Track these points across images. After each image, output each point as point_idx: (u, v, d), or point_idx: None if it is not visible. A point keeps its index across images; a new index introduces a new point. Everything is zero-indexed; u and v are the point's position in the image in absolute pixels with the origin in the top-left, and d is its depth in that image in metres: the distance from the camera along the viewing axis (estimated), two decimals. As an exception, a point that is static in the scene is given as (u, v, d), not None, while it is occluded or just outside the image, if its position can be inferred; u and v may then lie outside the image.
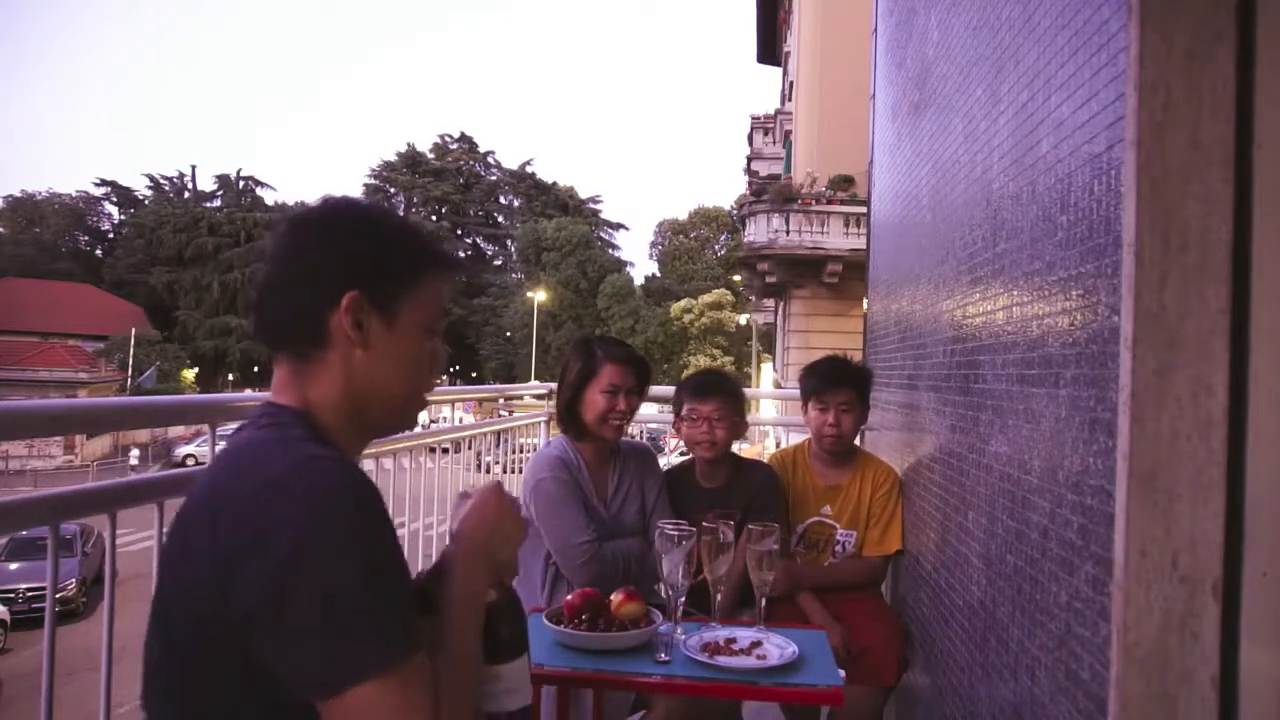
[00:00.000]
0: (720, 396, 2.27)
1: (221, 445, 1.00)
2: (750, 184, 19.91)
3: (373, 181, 56.55)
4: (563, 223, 49.18)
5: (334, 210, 1.01)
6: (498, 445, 3.56)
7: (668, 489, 2.32)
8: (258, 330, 1.00)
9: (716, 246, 53.95)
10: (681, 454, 2.53)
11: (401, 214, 1.09)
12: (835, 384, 2.40)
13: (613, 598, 1.65)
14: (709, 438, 2.24)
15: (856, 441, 2.54)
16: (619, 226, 59.55)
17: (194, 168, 61.68)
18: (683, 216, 55.53)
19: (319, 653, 0.80)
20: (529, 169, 59.95)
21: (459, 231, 57.52)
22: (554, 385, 2.36)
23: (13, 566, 12.68)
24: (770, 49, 22.81)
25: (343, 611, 0.81)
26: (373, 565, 0.83)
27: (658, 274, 54.51)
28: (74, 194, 54.43)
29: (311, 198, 1.06)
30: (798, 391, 2.55)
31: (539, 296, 43.00)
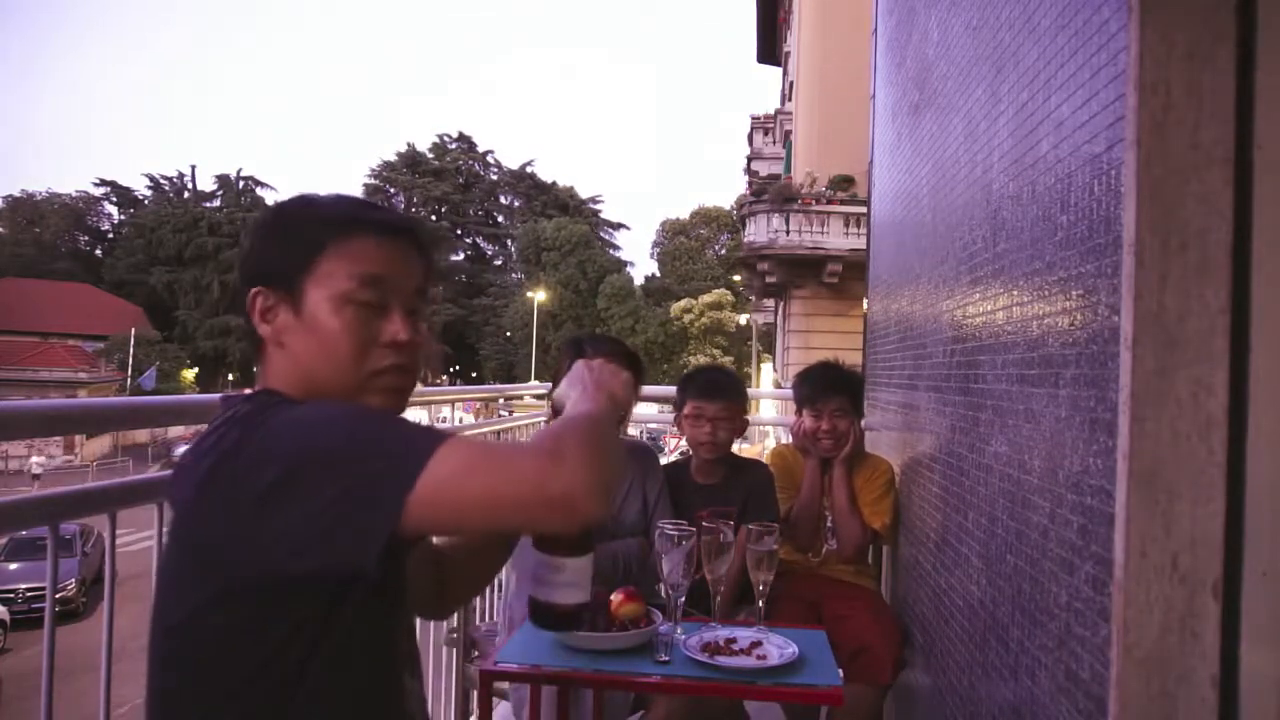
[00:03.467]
0: (726, 399, 2.27)
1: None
2: (750, 184, 19.89)
3: (373, 181, 56.52)
4: (562, 223, 49.17)
5: (260, 214, 1.05)
6: (498, 445, 3.55)
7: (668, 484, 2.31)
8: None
9: (716, 246, 53.93)
10: (682, 454, 2.54)
11: (336, 194, 1.03)
12: (828, 391, 2.41)
13: (613, 598, 1.65)
14: (712, 439, 2.25)
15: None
16: (619, 226, 59.63)
17: (194, 168, 61.65)
18: (683, 216, 55.55)
19: (372, 474, 0.80)
20: (529, 169, 59.99)
21: (459, 231, 57.53)
22: (551, 385, 2.36)
23: (12, 566, 12.68)
24: (770, 49, 22.80)
25: (374, 438, 0.82)
26: (378, 412, 0.88)
27: (658, 274, 54.50)
28: (74, 194, 54.44)
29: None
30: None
31: (539, 296, 43.00)
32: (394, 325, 0.95)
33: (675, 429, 2.41)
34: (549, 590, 1.08)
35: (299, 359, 0.95)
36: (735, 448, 2.41)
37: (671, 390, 2.66)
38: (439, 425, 3.34)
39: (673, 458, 2.55)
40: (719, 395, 2.27)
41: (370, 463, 0.80)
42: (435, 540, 1.18)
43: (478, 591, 1.31)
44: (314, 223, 0.96)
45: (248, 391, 0.97)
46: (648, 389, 3.41)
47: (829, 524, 2.43)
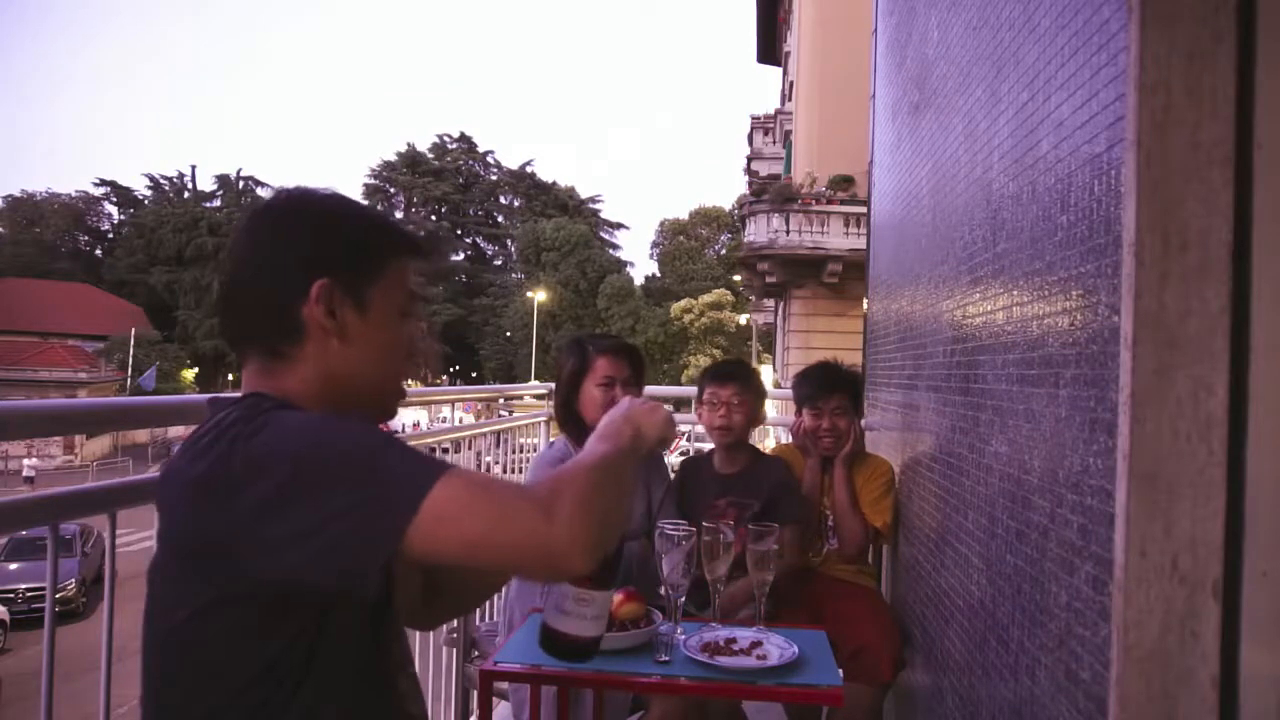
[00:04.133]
0: (738, 382, 2.35)
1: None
2: (750, 184, 19.90)
3: (373, 181, 56.54)
4: (561, 223, 49.19)
5: (292, 201, 0.99)
6: (498, 445, 3.56)
7: (685, 476, 2.41)
8: (225, 330, 0.98)
9: (716, 246, 53.92)
10: (681, 454, 2.56)
11: (361, 201, 1.08)
12: (828, 390, 2.43)
13: (613, 598, 1.65)
14: (725, 421, 2.32)
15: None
16: (619, 226, 59.69)
17: (194, 168, 61.84)
18: (683, 216, 55.55)
19: (374, 497, 0.80)
20: (529, 169, 60.00)
21: (459, 231, 57.53)
22: (554, 385, 2.37)
23: (12, 566, 12.69)
24: (770, 49, 22.80)
25: (376, 460, 0.82)
26: (376, 431, 0.87)
27: (658, 274, 54.50)
28: (74, 194, 54.47)
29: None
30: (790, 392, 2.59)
31: (539, 296, 43.01)
32: (418, 335, 1.03)
33: (697, 416, 2.47)
34: (565, 620, 1.07)
35: (343, 361, 0.95)
36: None
37: (672, 390, 2.69)
38: (439, 424, 3.34)
39: (671, 458, 2.57)
40: (731, 379, 2.35)
41: (374, 485, 0.80)
42: None
43: (468, 609, 1.32)
44: (385, 234, 1.00)
45: (236, 395, 0.96)
46: (650, 389, 3.41)
47: (829, 523, 2.43)
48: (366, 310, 0.96)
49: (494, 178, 59.90)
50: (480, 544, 0.81)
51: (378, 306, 0.97)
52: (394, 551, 0.79)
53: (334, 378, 0.95)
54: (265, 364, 0.95)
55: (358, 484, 0.80)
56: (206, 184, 54.42)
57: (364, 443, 0.84)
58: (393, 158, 57.38)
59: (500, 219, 59.64)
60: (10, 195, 53.38)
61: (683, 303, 43.14)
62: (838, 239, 12.97)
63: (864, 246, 3.45)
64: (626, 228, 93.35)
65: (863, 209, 6.91)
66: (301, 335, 0.94)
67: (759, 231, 13.53)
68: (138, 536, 1.98)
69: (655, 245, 55.80)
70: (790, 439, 2.61)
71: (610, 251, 52.57)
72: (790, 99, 18.09)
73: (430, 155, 57.63)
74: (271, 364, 0.95)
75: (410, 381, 1.08)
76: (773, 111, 20.78)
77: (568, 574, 0.85)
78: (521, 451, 3.64)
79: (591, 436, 1.03)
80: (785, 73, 20.22)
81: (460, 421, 3.61)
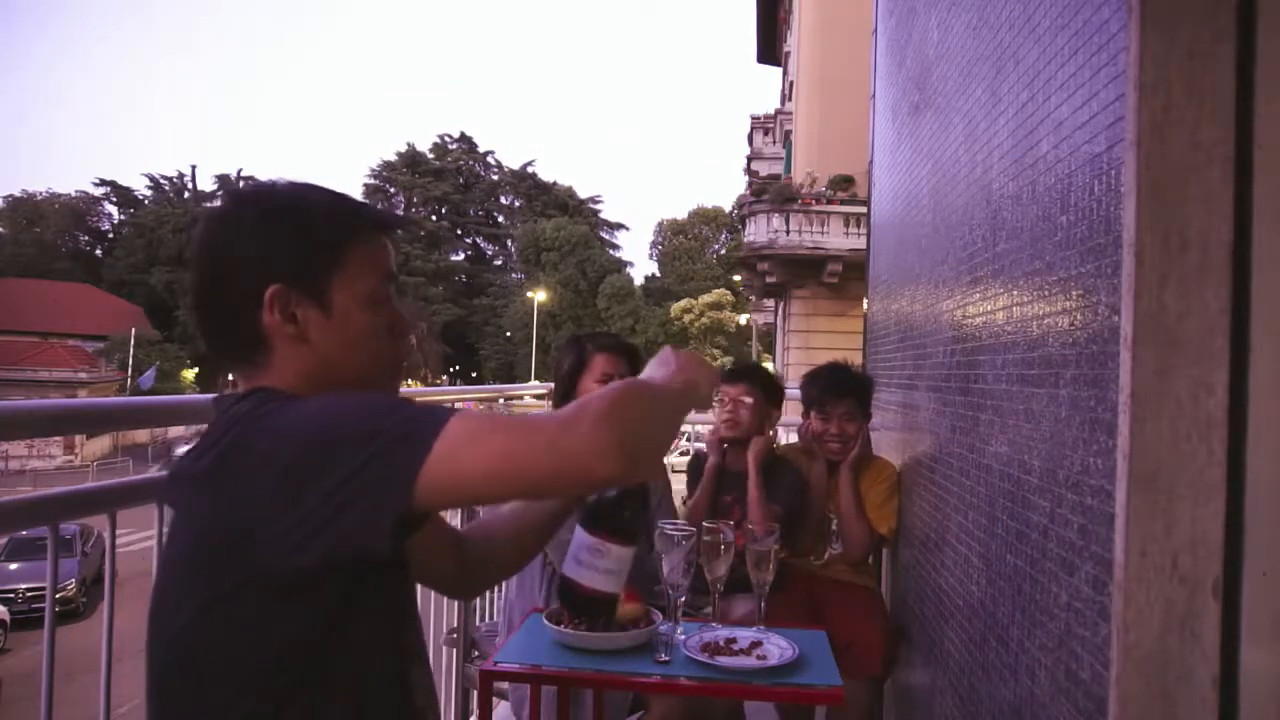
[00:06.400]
0: (747, 380, 2.40)
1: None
2: (750, 184, 19.89)
3: (373, 181, 56.55)
4: (561, 223, 49.24)
5: (239, 203, 0.97)
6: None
7: (697, 472, 2.43)
8: (207, 346, 0.96)
9: (716, 246, 53.96)
10: (681, 454, 2.57)
11: (319, 186, 0.99)
12: (837, 394, 2.43)
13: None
14: (732, 416, 2.36)
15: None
16: (619, 226, 59.69)
17: (194, 168, 61.96)
18: (683, 216, 55.59)
19: (384, 447, 0.79)
20: (529, 169, 60.04)
21: (459, 231, 57.57)
22: (552, 385, 2.38)
23: (13, 566, 12.68)
24: (770, 49, 22.79)
25: (383, 416, 0.81)
26: (382, 394, 0.88)
27: (658, 274, 54.54)
28: (74, 194, 54.48)
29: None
30: (798, 393, 2.59)
31: (539, 296, 43.03)
32: (395, 314, 0.99)
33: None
34: (581, 570, 1.09)
35: (328, 355, 0.94)
36: None
37: None
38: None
39: (671, 457, 2.58)
40: (738, 378, 2.41)
41: (382, 438, 0.79)
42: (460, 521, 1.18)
43: (510, 572, 1.31)
44: (332, 224, 0.95)
45: (241, 392, 0.95)
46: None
47: (833, 527, 2.43)
48: (329, 307, 0.93)
49: (494, 178, 59.95)
50: (499, 469, 0.79)
51: (341, 300, 0.93)
52: (410, 494, 0.78)
53: (313, 377, 0.94)
54: (247, 373, 0.95)
55: (367, 440, 0.79)
56: (207, 184, 54.49)
57: (370, 405, 0.84)
58: (393, 158, 57.46)
59: (500, 219, 59.68)
60: (10, 195, 53.49)
61: (683, 303, 43.15)
62: (838, 239, 12.96)
63: (864, 246, 3.45)
64: (626, 228, 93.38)
65: (863, 209, 6.91)
66: (268, 344, 0.92)
67: (759, 231, 13.52)
68: (138, 536, 1.98)
69: (655, 245, 55.85)
70: (796, 439, 2.62)
71: (610, 251, 52.64)
72: (790, 99, 18.09)
73: (430, 155, 57.65)
74: (252, 372, 0.94)
75: (410, 381, 1.07)
76: (773, 111, 20.77)
77: (600, 478, 0.79)
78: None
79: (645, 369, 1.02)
80: (785, 73, 20.23)
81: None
